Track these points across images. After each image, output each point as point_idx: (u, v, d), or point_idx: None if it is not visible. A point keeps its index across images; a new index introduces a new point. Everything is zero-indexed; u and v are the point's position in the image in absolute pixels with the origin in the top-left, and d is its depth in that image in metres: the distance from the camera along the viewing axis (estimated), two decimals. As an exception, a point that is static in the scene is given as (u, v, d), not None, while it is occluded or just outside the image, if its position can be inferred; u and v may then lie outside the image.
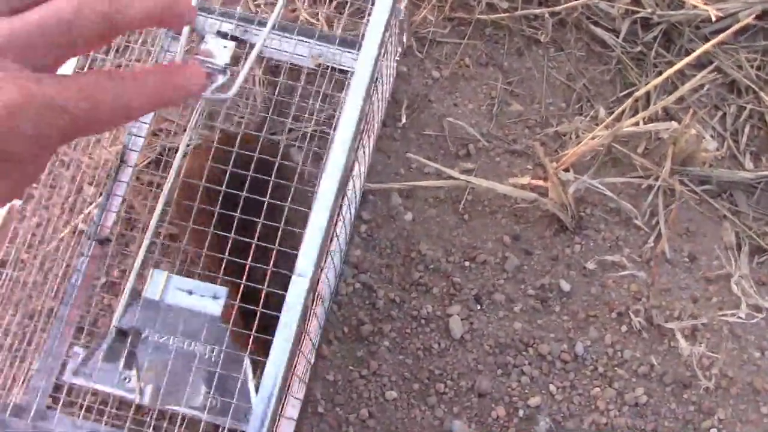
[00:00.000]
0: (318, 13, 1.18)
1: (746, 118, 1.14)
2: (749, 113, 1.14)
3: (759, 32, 1.18)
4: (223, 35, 0.70)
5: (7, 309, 0.81)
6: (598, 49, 1.17)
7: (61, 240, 0.96)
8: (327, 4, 1.17)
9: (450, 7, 1.18)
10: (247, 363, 0.83)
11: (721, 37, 1.04)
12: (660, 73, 1.15)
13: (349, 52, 0.98)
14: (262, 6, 1.20)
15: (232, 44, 0.57)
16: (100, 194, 1.01)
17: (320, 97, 1.00)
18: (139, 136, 1.03)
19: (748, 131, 1.13)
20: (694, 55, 1.02)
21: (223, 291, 0.56)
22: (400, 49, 1.03)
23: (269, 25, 0.60)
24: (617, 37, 1.16)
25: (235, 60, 0.57)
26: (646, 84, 1.14)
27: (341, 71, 1.01)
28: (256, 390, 0.64)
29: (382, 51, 0.63)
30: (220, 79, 0.53)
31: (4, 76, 0.24)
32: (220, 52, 0.56)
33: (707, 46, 1.03)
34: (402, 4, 0.91)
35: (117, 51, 0.98)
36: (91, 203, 1.03)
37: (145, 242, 0.56)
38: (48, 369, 0.78)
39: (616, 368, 1.01)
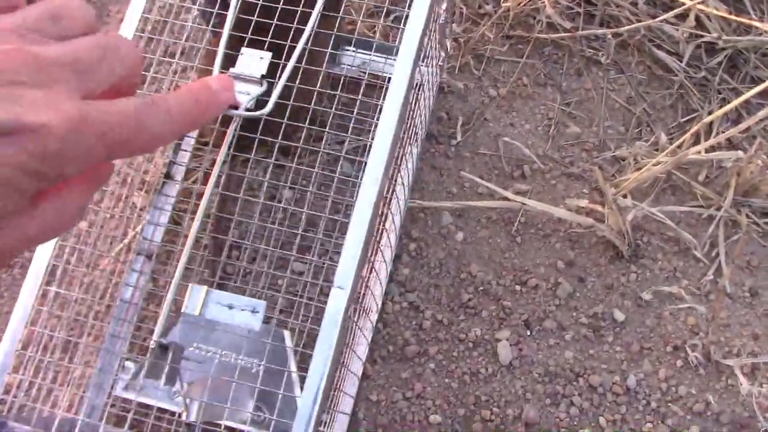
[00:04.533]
0: (375, 26, 1.16)
1: (813, 150, 1.10)
2: (817, 145, 1.10)
3: (829, 62, 1.14)
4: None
5: (51, 318, 0.80)
6: (660, 72, 1.14)
7: (109, 254, 0.95)
8: (384, 17, 1.16)
9: (509, 25, 1.15)
10: (294, 377, 0.82)
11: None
12: (724, 100, 1.12)
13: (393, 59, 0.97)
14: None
15: (268, 55, 0.55)
16: (150, 205, 1.00)
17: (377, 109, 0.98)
18: (185, 150, 1.03)
19: (815, 164, 1.09)
20: (763, 85, 0.99)
21: (262, 305, 0.55)
22: (443, 54, 1.00)
23: (305, 33, 0.58)
24: (680, 61, 1.13)
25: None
26: (709, 110, 1.10)
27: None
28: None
29: (421, 54, 0.61)
30: (256, 91, 0.51)
31: (62, 97, 0.24)
32: (257, 63, 0.54)
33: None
34: (442, 8, 0.88)
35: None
36: (141, 210, 1.02)
37: (183, 257, 0.54)
38: (100, 384, 0.77)
39: (669, 404, 0.97)
